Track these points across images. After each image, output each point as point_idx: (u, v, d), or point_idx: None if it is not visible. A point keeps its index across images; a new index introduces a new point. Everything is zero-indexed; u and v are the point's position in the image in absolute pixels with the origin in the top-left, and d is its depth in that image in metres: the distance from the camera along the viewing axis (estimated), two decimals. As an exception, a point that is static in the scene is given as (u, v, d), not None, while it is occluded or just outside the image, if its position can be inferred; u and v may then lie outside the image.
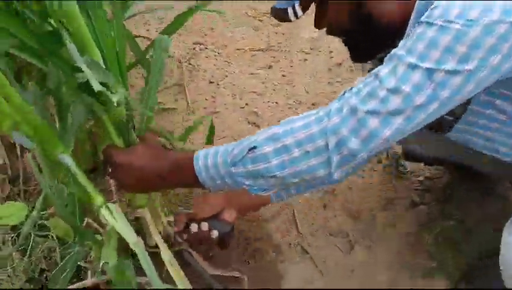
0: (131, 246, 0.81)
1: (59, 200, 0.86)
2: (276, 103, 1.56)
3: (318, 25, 0.88)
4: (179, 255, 0.97)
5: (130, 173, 0.82)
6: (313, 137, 0.71)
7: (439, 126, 0.86)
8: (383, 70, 0.70)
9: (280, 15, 0.86)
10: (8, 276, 0.97)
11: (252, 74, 1.68)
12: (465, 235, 1.15)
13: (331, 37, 0.90)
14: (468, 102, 0.80)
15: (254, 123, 1.50)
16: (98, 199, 0.83)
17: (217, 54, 1.76)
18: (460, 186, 1.28)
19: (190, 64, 1.71)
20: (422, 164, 1.35)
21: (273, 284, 1.06)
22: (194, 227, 0.98)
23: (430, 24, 0.67)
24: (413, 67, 0.67)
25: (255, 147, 0.74)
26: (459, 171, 1.30)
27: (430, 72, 0.66)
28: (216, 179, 0.78)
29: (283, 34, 1.85)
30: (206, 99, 1.57)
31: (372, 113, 0.68)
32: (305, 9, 0.85)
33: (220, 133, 1.43)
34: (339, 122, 0.70)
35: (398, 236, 1.18)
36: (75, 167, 0.81)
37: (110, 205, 0.84)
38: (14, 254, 0.97)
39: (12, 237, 1.01)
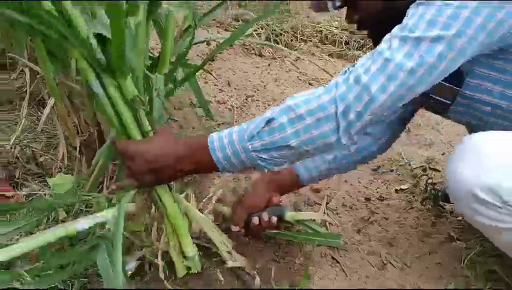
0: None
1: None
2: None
3: (349, 20, 1.00)
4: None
5: (144, 161, 0.84)
6: (324, 105, 0.80)
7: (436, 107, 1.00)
8: (382, 45, 0.82)
9: (321, 6, 0.97)
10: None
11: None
12: (507, 267, 1.09)
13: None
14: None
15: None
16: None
17: (266, 105, 1.89)
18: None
19: (241, 110, 1.83)
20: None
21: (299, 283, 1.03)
22: (255, 220, 1.06)
23: (420, 3, 0.81)
24: (404, 39, 0.79)
25: (272, 119, 0.81)
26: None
27: (417, 40, 0.78)
28: (231, 158, 0.83)
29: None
30: (252, 135, 1.66)
31: (373, 80, 0.79)
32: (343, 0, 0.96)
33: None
34: (345, 90, 0.80)
35: (434, 263, 1.14)
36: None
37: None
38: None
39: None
